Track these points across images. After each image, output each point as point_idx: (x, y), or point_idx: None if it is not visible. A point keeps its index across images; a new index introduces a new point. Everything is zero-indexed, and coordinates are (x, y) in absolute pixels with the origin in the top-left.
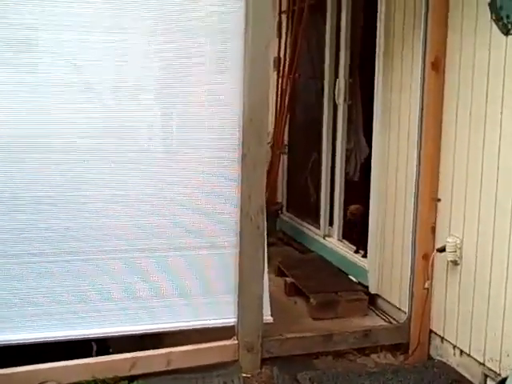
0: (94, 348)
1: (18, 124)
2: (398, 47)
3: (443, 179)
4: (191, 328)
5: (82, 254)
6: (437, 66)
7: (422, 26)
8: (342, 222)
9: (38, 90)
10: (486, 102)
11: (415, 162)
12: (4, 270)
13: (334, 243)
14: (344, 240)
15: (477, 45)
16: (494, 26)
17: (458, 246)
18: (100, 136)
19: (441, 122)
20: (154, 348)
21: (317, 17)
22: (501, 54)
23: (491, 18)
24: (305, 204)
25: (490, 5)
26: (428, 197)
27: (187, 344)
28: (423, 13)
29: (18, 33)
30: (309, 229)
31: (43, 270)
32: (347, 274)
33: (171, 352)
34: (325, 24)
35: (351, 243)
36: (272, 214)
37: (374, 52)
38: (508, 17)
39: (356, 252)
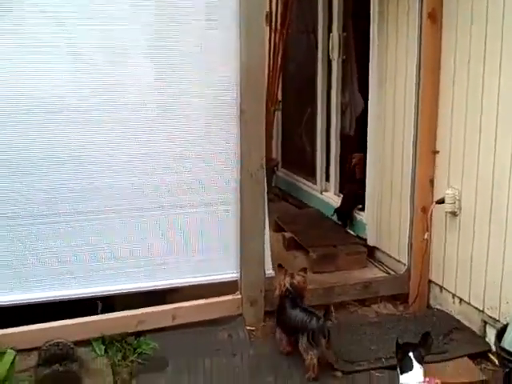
0: (100, 306)
1: (13, 86)
2: (393, 1)
3: (441, 131)
4: (195, 284)
5: (85, 213)
6: (434, 16)
7: None
8: (338, 176)
9: (25, 52)
10: (485, 51)
11: (413, 115)
12: (13, 231)
13: (331, 198)
14: (341, 194)
15: None
16: None
17: (457, 197)
18: (95, 95)
19: (439, 73)
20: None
21: None
22: (499, 3)
23: None
24: (300, 160)
25: None
26: (426, 149)
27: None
28: None
29: None
30: (305, 184)
31: (50, 231)
32: (345, 228)
33: (176, 308)
34: None
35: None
36: (268, 171)
37: (368, 4)
38: None
39: None
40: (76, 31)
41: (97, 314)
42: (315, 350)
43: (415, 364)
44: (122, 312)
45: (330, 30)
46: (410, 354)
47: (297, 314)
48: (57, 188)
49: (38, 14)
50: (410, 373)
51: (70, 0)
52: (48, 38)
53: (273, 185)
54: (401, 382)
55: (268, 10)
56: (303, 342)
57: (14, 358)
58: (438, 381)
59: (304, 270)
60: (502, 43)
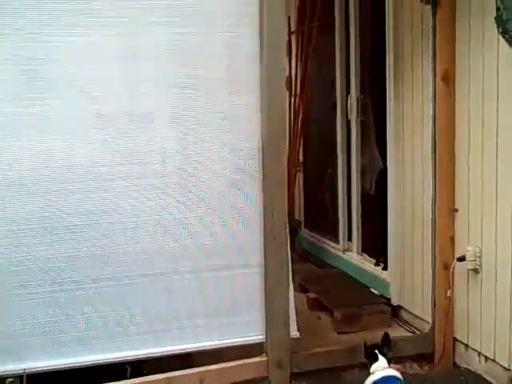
0: (129, 371)
1: (41, 157)
2: (407, 62)
3: (459, 190)
4: (221, 347)
5: (110, 279)
6: (447, 79)
7: (431, 41)
8: (360, 235)
9: (53, 122)
10: (497, 112)
11: (431, 174)
12: (35, 298)
13: (353, 257)
14: (364, 253)
15: (485, 58)
16: (501, 39)
17: (478, 254)
18: (117, 164)
19: (454, 133)
20: (185, 368)
21: (326, 36)
22: (509, 66)
23: (498, 31)
24: (323, 220)
25: (496, 19)
26: (445, 207)
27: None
28: (431, 27)
29: (31, 67)
30: (328, 244)
31: (74, 297)
32: (368, 287)
33: (204, 371)
34: (334, 42)
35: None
36: (291, 231)
37: (384, 67)
38: None
39: (376, 265)
40: (100, 99)
41: (126, 378)
42: None
43: (380, 357)
44: (149, 376)
45: (348, 92)
46: (376, 351)
47: None
48: (81, 254)
49: (64, 85)
50: (376, 363)
51: (95, 70)
52: (72, 104)
53: (296, 245)
54: (371, 370)
55: (288, 74)
56: None
57: None
58: (399, 366)
59: None
60: None
